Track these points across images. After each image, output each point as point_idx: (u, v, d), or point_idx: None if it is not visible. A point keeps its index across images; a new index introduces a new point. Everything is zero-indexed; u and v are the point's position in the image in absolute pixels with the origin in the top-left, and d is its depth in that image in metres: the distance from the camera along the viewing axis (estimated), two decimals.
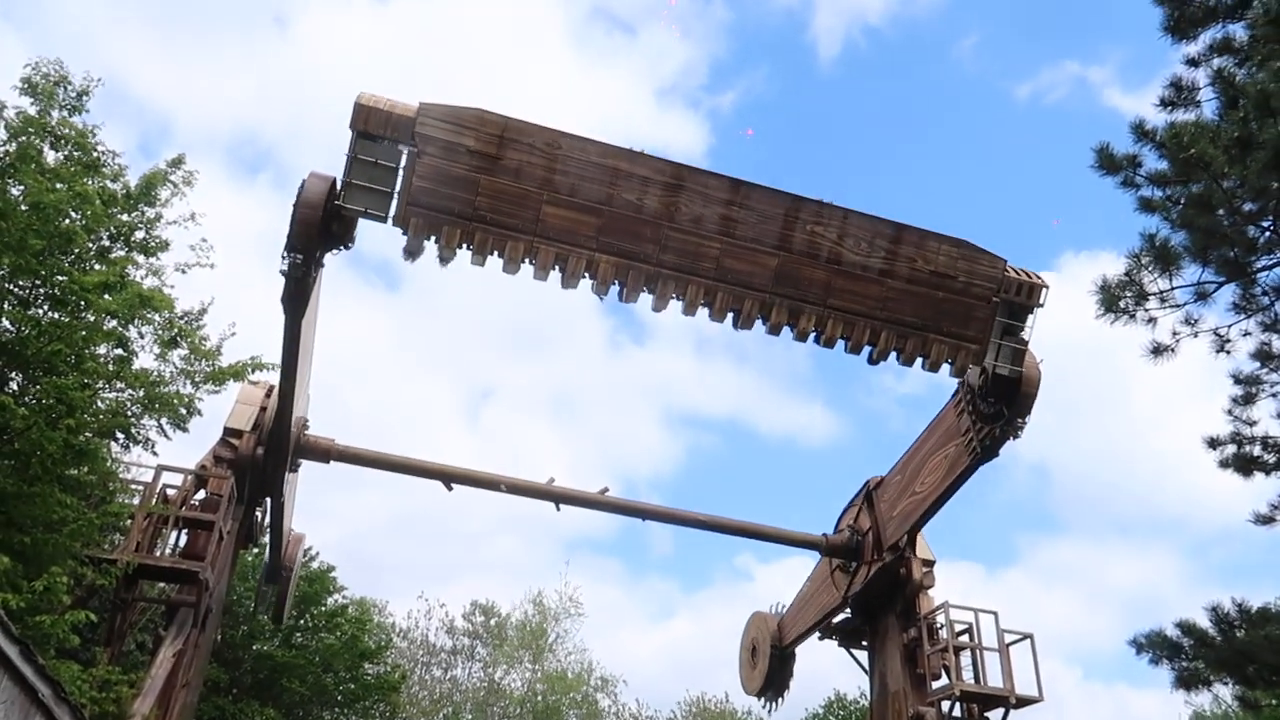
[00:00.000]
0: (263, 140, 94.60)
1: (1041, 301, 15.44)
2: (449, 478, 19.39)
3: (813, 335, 14.85)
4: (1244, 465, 14.13)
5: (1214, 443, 14.50)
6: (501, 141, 13.52)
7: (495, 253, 13.74)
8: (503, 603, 41.37)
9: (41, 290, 12.75)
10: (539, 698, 37.44)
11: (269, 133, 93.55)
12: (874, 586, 20.12)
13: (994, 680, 17.66)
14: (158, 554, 15.12)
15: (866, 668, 21.14)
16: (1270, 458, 13.99)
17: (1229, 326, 13.90)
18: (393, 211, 13.53)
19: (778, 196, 14.38)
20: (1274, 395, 14.22)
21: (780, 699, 24.19)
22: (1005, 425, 16.16)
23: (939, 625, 18.71)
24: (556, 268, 13.94)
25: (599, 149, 13.88)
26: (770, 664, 23.68)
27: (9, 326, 12.52)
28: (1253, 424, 14.32)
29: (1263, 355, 14.16)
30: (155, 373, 13.80)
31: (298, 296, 14.25)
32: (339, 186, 13.54)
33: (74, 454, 12.26)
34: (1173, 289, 13.43)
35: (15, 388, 12.54)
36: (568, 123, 14.04)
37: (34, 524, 11.89)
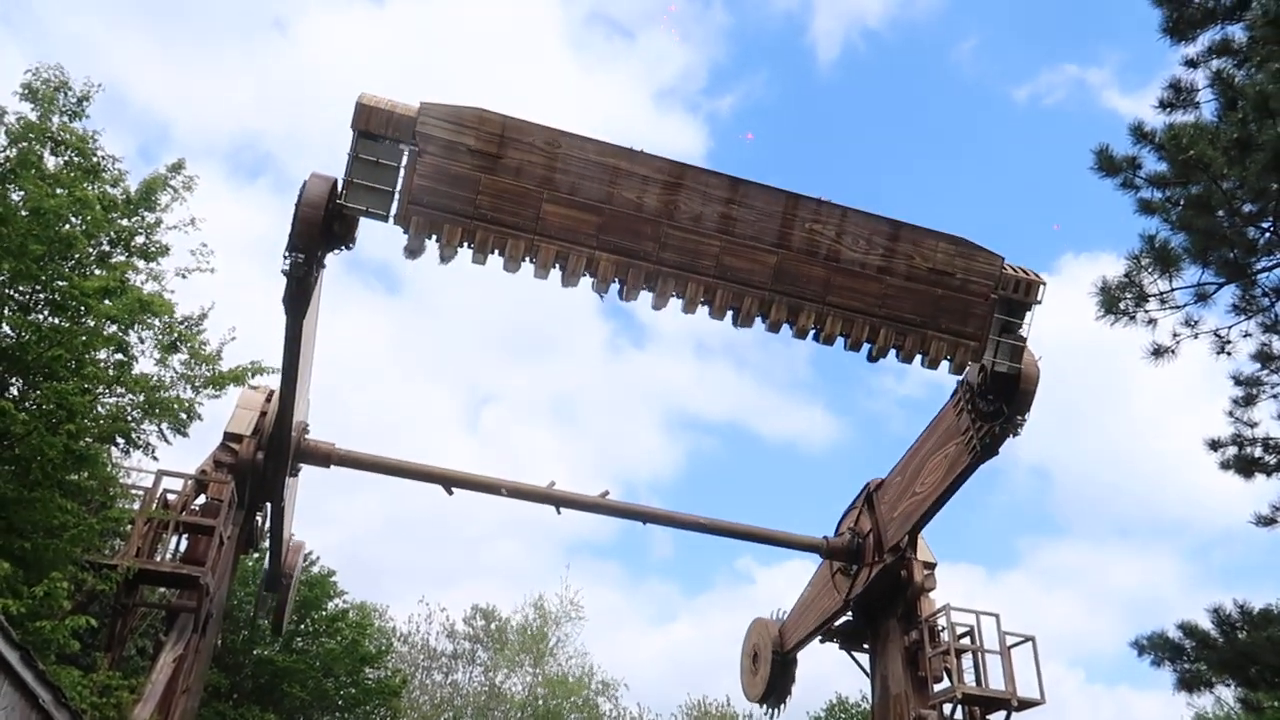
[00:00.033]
0: (262, 145, 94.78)
1: (1039, 298, 15.47)
2: (449, 482, 19.39)
3: (812, 332, 14.88)
4: (1245, 467, 14.13)
5: (1215, 444, 14.50)
6: (502, 141, 13.58)
7: (496, 251, 13.77)
8: (503, 607, 41.29)
9: (42, 295, 12.76)
10: (540, 702, 37.40)
11: (268, 137, 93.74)
12: (875, 589, 20.10)
13: (996, 683, 17.63)
14: (158, 559, 15.11)
15: (868, 671, 21.11)
16: (1271, 459, 13.98)
17: (1229, 328, 13.91)
18: (394, 210, 13.57)
19: (776, 194, 14.44)
20: (1275, 397, 14.22)
21: (782, 705, 24.16)
22: (1005, 423, 16.16)
23: (940, 628, 18.69)
24: (557, 266, 13.98)
25: (598, 148, 13.94)
26: (772, 670, 23.64)
27: (9, 332, 12.52)
28: (1253, 425, 14.32)
29: (1263, 356, 14.16)
30: (155, 378, 13.80)
31: (299, 296, 14.26)
32: (340, 186, 13.57)
33: (74, 459, 12.25)
34: (1173, 290, 13.44)
35: (15, 393, 12.53)
36: (567, 125, 14.07)
37: (34, 529, 11.89)
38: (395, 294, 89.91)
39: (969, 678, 17.92)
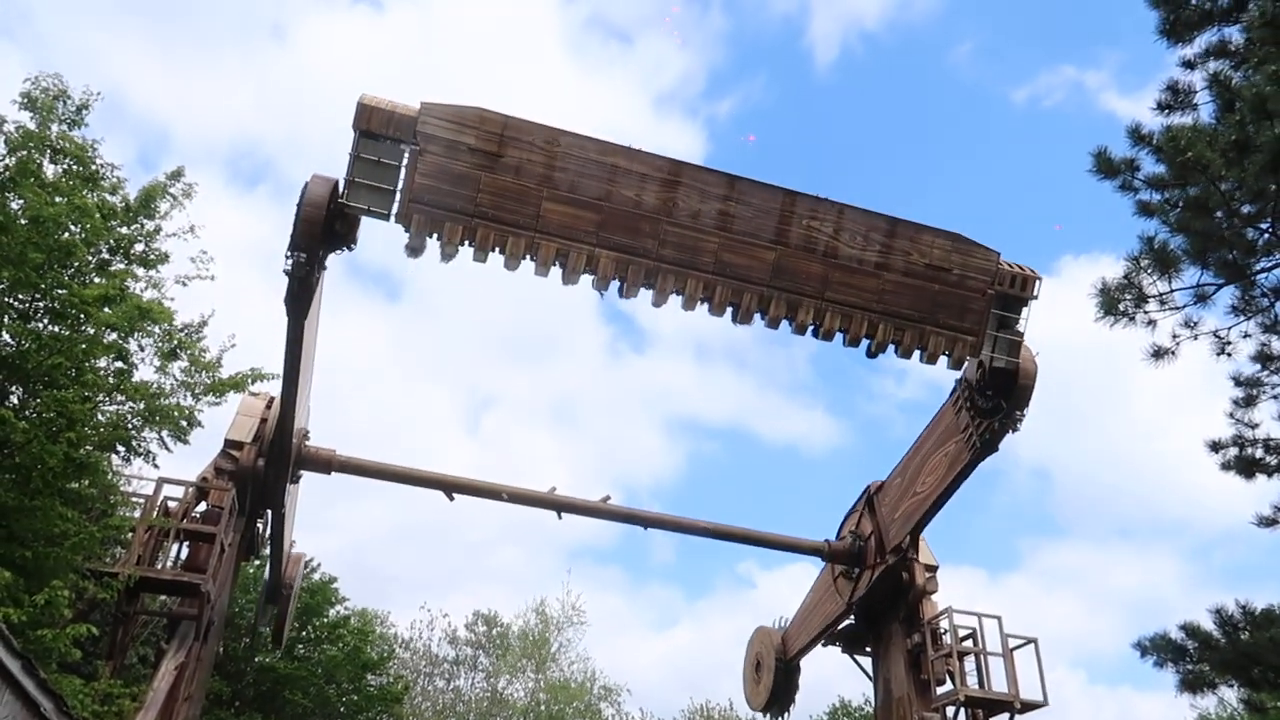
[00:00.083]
0: (262, 150, 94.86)
1: (1035, 294, 15.50)
2: (450, 487, 19.38)
3: (811, 328, 14.92)
4: (1246, 467, 14.15)
5: (1216, 445, 14.52)
6: (502, 140, 13.67)
7: (496, 249, 13.83)
8: (505, 612, 41.23)
9: (41, 304, 12.77)
10: (542, 707, 37.36)
11: (268, 142, 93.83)
12: (877, 592, 20.08)
13: (998, 685, 17.61)
14: (159, 567, 15.08)
15: (870, 674, 21.09)
16: (1272, 460, 13.99)
17: (1229, 329, 13.93)
18: (395, 209, 13.62)
19: (773, 192, 14.51)
20: (1275, 397, 14.23)
21: (786, 713, 24.10)
22: (1004, 418, 16.16)
23: (942, 630, 18.67)
24: (557, 264, 14.03)
25: (597, 146, 14.03)
26: (775, 679, 23.57)
27: (9, 340, 12.53)
28: (1254, 426, 14.34)
29: (1263, 357, 14.18)
30: (155, 385, 13.81)
31: (301, 296, 14.27)
32: (342, 185, 13.62)
33: (75, 467, 12.26)
34: (1172, 291, 13.46)
35: (15, 401, 12.55)
36: (566, 128, 14.15)
37: (35, 538, 11.89)
38: (395, 299, 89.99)
39: (971, 680, 17.89)
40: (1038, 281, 15.47)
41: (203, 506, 16.26)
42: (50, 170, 13.32)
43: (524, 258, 13.92)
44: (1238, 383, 14.57)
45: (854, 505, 21.66)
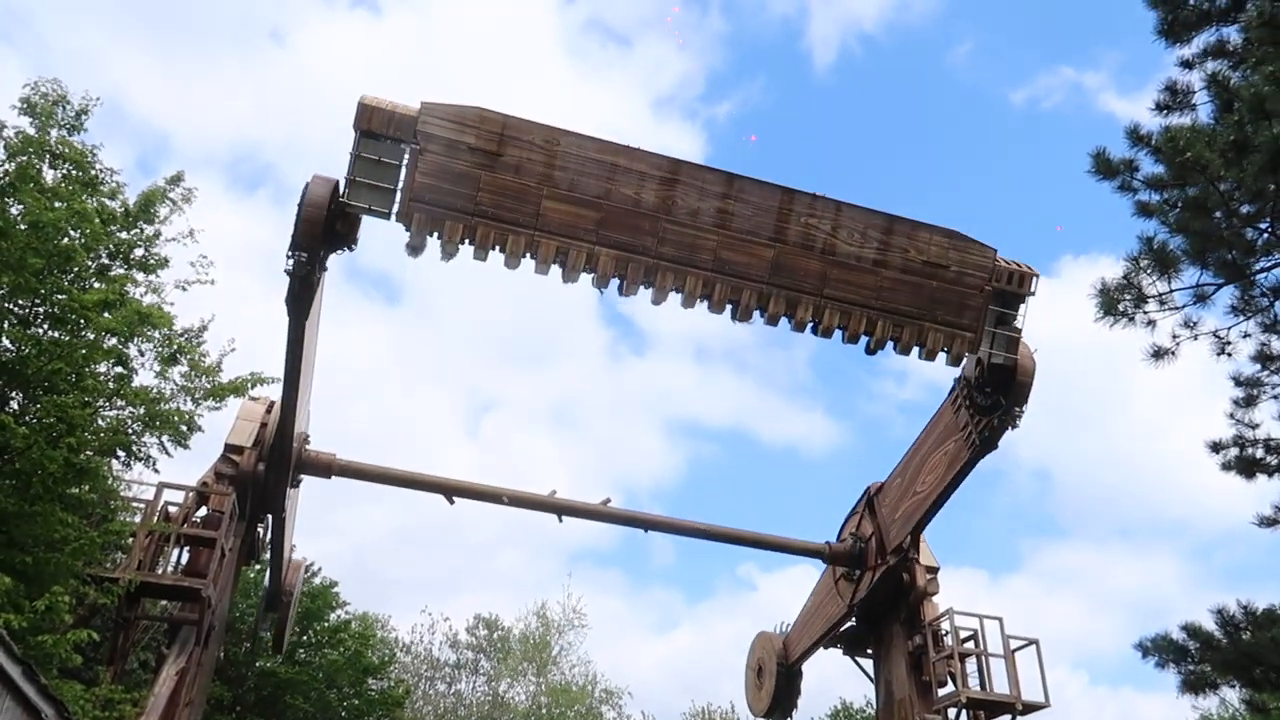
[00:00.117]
0: (261, 156, 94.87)
1: (1033, 290, 15.52)
2: (450, 491, 19.37)
3: (810, 325, 14.95)
4: (1246, 467, 14.15)
5: (1216, 446, 14.52)
6: (502, 139, 13.73)
7: (496, 248, 13.88)
8: (506, 615, 41.23)
9: (41, 309, 12.77)
10: (543, 711, 37.34)
11: (268, 147, 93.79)
12: (878, 594, 20.07)
13: (1000, 686, 17.61)
14: (160, 572, 15.09)
15: (872, 676, 21.08)
16: (1273, 460, 14.00)
17: (1228, 329, 13.95)
18: (396, 208, 13.65)
19: (771, 190, 14.58)
20: (1275, 397, 14.24)
21: (789, 718, 24.08)
22: (1003, 415, 16.18)
23: (944, 632, 18.67)
24: (557, 262, 14.08)
25: (596, 145, 14.10)
26: (777, 683, 23.55)
27: (9, 345, 12.53)
28: (1255, 426, 14.35)
29: (1263, 357, 14.19)
30: (155, 390, 13.80)
31: (302, 296, 14.28)
32: (343, 185, 13.65)
33: (75, 472, 12.26)
34: (1171, 291, 13.48)
35: (16, 407, 12.54)
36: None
37: (35, 543, 11.88)
38: (394, 303, 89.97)
39: (973, 682, 17.90)
40: (1035, 278, 15.50)
41: (203, 511, 16.25)
42: (50, 175, 13.32)
43: (524, 256, 13.97)
44: (1238, 383, 14.58)
45: (854, 507, 21.65)
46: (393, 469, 19.44)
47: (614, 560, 73.68)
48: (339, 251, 14.23)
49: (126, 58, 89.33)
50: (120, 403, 13.39)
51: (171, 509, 15.86)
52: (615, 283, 14.35)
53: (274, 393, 16.72)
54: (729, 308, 14.73)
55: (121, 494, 15.20)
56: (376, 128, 13.57)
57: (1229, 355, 14.06)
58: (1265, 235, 13.08)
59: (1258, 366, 14.30)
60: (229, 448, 17.28)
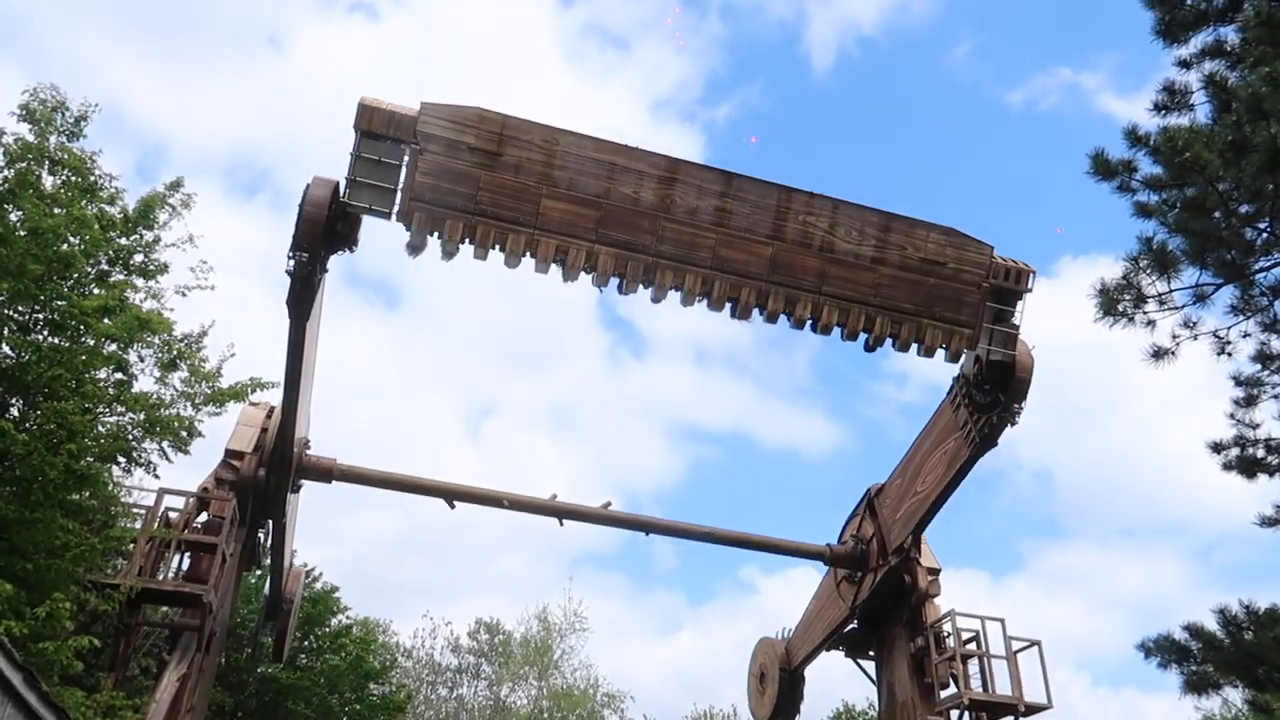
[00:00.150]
0: (260, 161, 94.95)
1: (1030, 287, 15.54)
2: (451, 495, 19.35)
3: (809, 323, 14.99)
4: (1247, 467, 14.15)
5: (1217, 446, 14.52)
6: (501, 139, 13.80)
7: (496, 247, 13.93)
8: (507, 620, 41.27)
9: (41, 315, 12.76)
10: (545, 715, 37.31)
11: (266, 152, 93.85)
12: (880, 595, 20.05)
13: (1002, 688, 17.58)
14: (160, 578, 15.05)
15: (874, 678, 21.05)
16: (1274, 460, 13.99)
17: (1228, 328, 13.96)
18: (396, 208, 13.69)
19: (769, 188, 14.65)
20: (1275, 397, 14.23)
21: None
22: (1002, 412, 16.17)
23: (946, 633, 18.63)
24: (557, 261, 14.12)
25: (595, 144, 14.19)
26: (780, 689, 23.49)
27: (9, 352, 12.53)
28: (1255, 426, 14.35)
29: (1263, 357, 14.20)
30: (156, 396, 13.79)
31: (303, 298, 14.29)
32: (343, 185, 13.69)
33: (75, 479, 12.24)
34: (1171, 291, 13.49)
35: (16, 413, 12.54)
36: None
37: (36, 550, 11.86)
38: (394, 307, 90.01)
39: (975, 683, 17.86)
40: (1031, 275, 15.53)
41: (204, 517, 16.23)
42: (49, 182, 13.32)
43: (524, 255, 14.02)
44: (1238, 382, 14.58)
45: (855, 509, 21.62)
46: (393, 474, 19.42)
47: (615, 564, 73.75)
48: (340, 252, 14.25)
49: (125, 62, 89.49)
50: (120, 408, 13.38)
51: (172, 515, 15.83)
52: (615, 281, 14.39)
53: (274, 398, 16.73)
54: (728, 305, 14.77)
55: (122, 500, 15.14)
56: (377, 128, 13.63)
57: (1229, 355, 14.07)
58: (1264, 235, 13.09)
59: (1258, 366, 14.31)
60: (229, 453, 17.27)
